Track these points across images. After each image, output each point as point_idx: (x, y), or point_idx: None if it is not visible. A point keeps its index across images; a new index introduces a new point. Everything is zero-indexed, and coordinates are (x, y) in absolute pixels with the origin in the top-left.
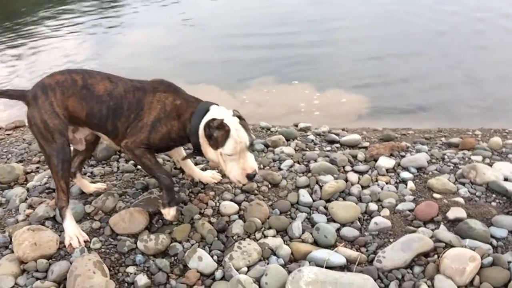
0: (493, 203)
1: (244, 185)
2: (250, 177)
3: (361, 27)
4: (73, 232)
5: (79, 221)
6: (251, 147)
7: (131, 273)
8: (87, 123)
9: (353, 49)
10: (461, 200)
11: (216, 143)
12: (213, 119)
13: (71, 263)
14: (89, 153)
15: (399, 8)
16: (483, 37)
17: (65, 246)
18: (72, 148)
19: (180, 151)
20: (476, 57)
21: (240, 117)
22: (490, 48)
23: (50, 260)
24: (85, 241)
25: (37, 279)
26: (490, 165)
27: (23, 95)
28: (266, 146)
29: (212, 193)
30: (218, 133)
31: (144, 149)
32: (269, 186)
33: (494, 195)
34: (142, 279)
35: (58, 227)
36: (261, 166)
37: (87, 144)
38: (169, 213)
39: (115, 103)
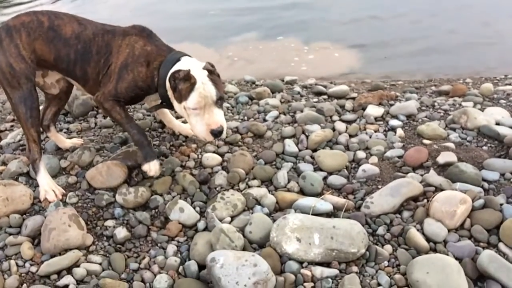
0: (485, 147)
1: (209, 142)
2: (215, 133)
3: None
4: (48, 186)
5: (54, 176)
6: (219, 103)
7: (109, 227)
8: (56, 67)
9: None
10: (451, 145)
11: (180, 96)
12: (179, 70)
13: (45, 218)
14: (62, 103)
15: None
16: None
17: (40, 201)
18: (44, 99)
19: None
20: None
21: (211, 71)
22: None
23: (24, 216)
24: (62, 195)
25: (10, 234)
26: (482, 110)
27: None
28: (251, 98)
29: (194, 145)
30: (183, 85)
31: (113, 102)
32: (254, 137)
33: (485, 139)
34: (121, 232)
35: (32, 182)
36: (246, 118)
37: (60, 92)
38: (150, 168)
39: (83, 47)
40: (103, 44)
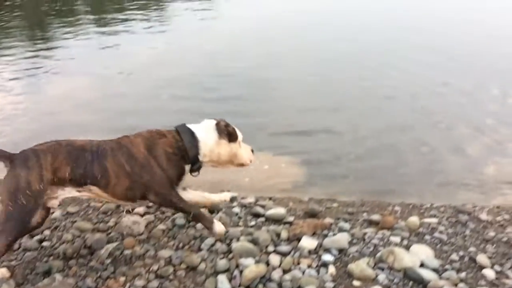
0: None
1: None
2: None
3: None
4: None
5: None
6: None
7: None
8: (72, 178)
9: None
10: None
11: (232, 136)
12: (218, 122)
13: None
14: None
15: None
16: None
17: None
18: None
19: None
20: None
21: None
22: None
23: None
24: None
25: None
26: (408, 247)
27: (8, 156)
28: (188, 220)
29: (122, 278)
30: (231, 129)
31: (173, 191)
32: (187, 269)
33: (411, 282)
34: None
35: None
36: (181, 244)
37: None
38: (220, 228)
39: (97, 147)
40: (115, 142)
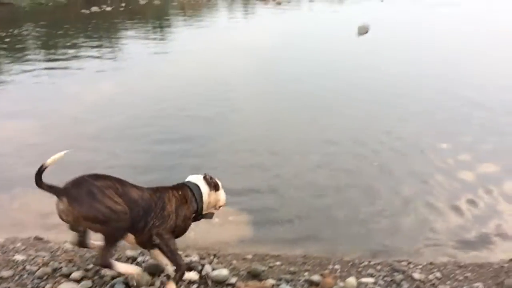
0: None
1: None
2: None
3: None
4: None
5: None
6: None
7: None
8: None
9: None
10: None
11: (217, 186)
12: (206, 175)
13: None
14: None
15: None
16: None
17: None
18: None
19: None
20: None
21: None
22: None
23: None
24: None
25: None
26: None
27: (65, 190)
28: (128, 286)
29: None
30: (215, 181)
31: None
32: None
33: None
34: None
35: None
36: None
37: None
38: (190, 275)
39: (147, 203)
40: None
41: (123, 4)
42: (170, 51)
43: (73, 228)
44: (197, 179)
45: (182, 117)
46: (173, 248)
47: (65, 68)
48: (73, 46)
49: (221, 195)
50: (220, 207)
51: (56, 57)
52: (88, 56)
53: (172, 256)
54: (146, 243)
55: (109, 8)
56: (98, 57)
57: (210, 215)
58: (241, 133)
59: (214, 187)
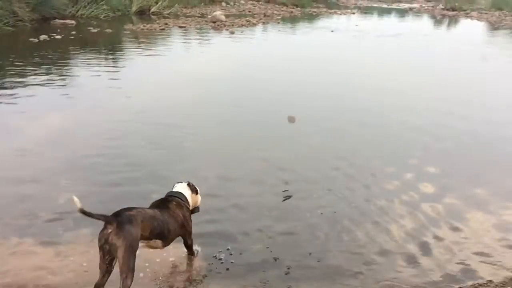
0: None
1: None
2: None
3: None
4: None
5: None
6: None
7: None
8: (151, 235)
9: None
10: None
11: (197, 190)
12: (189, 183)
13: None
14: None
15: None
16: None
17: None
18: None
19: None
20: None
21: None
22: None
23: None
24: None
25: None
26: None
27: (110, 219)
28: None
29: None
30: (194, 186)
31: None
32: None
33: None
34: None
35: None
36: None
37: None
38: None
39: (161, 215)
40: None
41: (74, 32)
42: (122, 81)
43: (104, 259)
44: (182, 186)
45: (132, 148)
46: (192, 238)
47: (11, 98)
48: (20, 75)
49: (199, 197)
50: (199, 205)
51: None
52: (37, 85)
53: (192, 244)
54: (169, 245)
55: (59, 37)
56: (47, 88)
57: (197, 210)
58: (192, 161)
59: (195, 191)
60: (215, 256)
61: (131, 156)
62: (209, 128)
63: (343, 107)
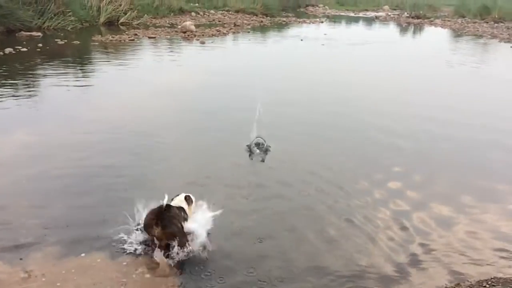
0: None
1: None
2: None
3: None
4: None
5: None
6: None
7: None
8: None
9: None
10: None
11: (192, 201)
12: (185, 196)
13: None
14: None
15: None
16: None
17: None
18: None
19: None
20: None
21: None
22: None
23: None
24: None
25: None
26: None
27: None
28: None
29: None
30: (190, 198)
31: None
32: None
33: None
34: None
35: None
36: None
37: None
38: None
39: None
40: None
41: (40, 45)
42: (91, 94)
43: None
44: (181, 198)
45: (104, 165)
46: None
47: None
48: None
49: (193, 207)
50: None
51: None
52: (2, 100)
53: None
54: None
55: (25, 49)
56: (12, 103)
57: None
58: (169, 174)
59: (190, 203)
60: (191, 259)
61: (101, 176)
62: (181, 136)
63: (313, 111)
